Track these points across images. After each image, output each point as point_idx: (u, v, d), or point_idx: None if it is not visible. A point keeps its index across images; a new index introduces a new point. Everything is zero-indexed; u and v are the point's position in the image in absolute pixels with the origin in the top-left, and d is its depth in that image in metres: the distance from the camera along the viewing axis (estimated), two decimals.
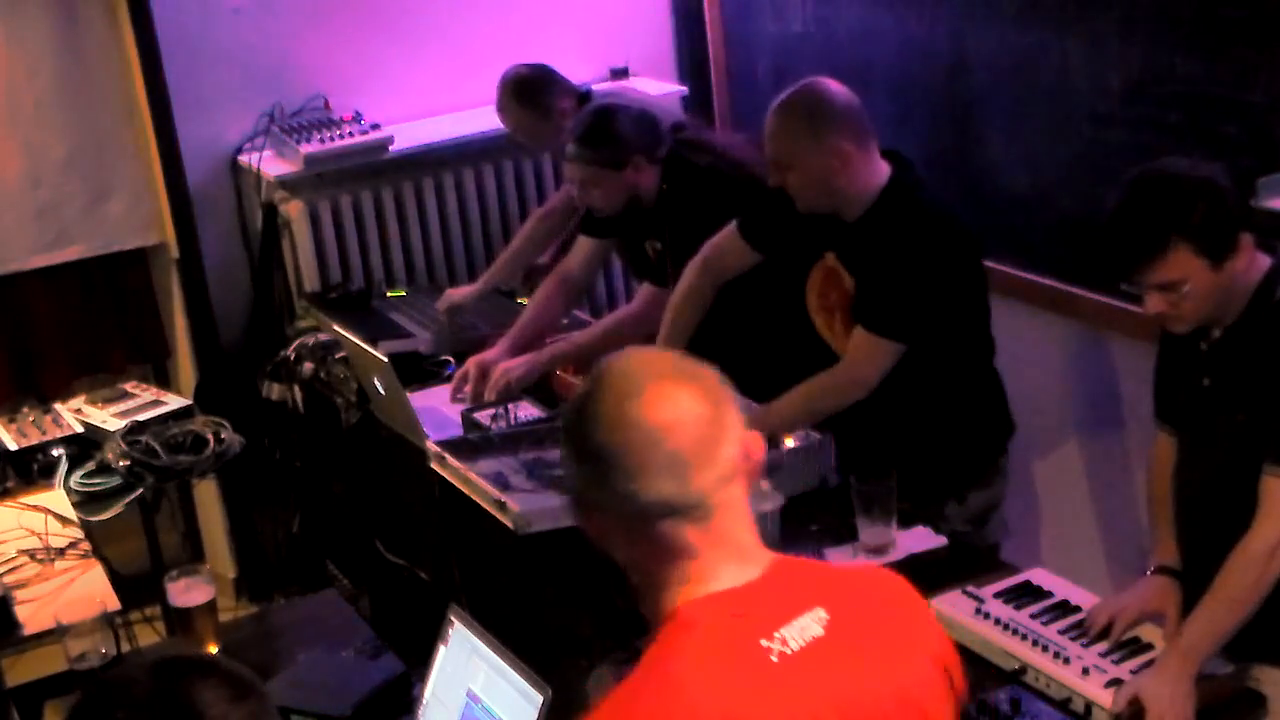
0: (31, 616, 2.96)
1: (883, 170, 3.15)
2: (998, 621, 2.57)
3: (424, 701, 2.47)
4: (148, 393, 3.94)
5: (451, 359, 3.97)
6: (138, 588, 3.38)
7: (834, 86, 3.15)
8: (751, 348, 3.43)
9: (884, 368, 3.12)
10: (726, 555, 1.64)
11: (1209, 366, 2.55)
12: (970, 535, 3.21)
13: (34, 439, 3.67)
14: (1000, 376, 3.34)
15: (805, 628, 1.61)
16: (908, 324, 3.10)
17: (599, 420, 1.62)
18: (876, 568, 1.78)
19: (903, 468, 2.91)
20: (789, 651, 1.59)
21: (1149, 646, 2.46)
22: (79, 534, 3.29)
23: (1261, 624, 2.45)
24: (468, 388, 3.69)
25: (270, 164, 4.58)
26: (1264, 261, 2.50)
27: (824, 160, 3.08)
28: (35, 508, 3.39)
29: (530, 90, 4.23)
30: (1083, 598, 2.64)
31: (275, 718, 1.51)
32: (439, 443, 3.29)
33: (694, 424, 1.60)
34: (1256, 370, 2.46)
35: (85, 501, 3.48)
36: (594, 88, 4.54)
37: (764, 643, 1.59)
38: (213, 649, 2.80)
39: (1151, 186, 2.49)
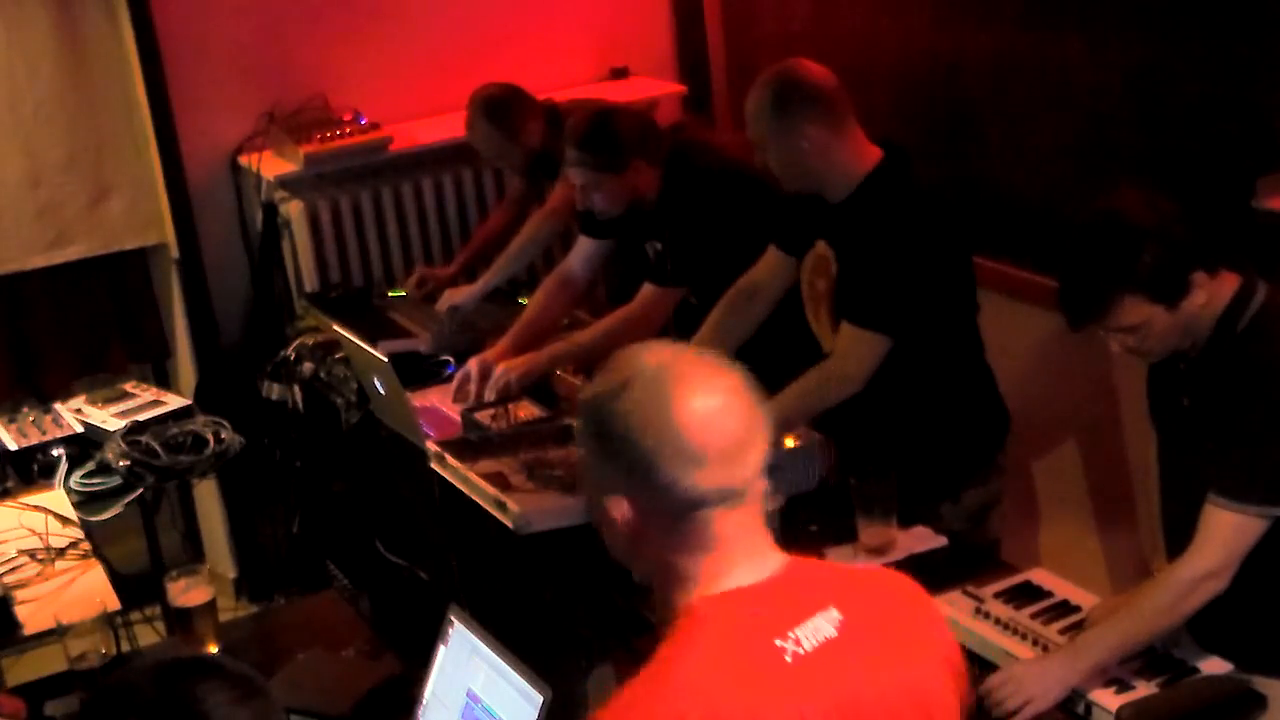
0: (31, 616, 2.96)
1: (871, 154, 3.12)
2: (998, 621, 2.57)
3: (424, 701, 2.46)
4: (148, 393, 3.94)
5: (451, 359, 3.97)
6: (138, 588, 3.38)
7: (809, 68, 3.13)
8: (754, 343, 3.41)
9: (870, 363, 3.07)
10: (747, 550, 1.65)
11: (1187, 387, 2.54)
12: (969, 533, 3.17)
13: (34, 439, 3.66)
14: (992, 372, 3.31)
15: (819, 628, 1.62)
16: (891, 316, 3.06)
17: (645, 410, 1.60)
18: (887, 570, 1.79)
19: (899, 467, 2.89)
20: (802, 652, 1.59)
21: (1150, 649, 2.46)
22: (79, 534, 3.28)
23: (1265, 635, 2.46)
24: (468, 387, 3.69)
25: (270, 164, 4.58)
26: (1229, 286, 2.45)
27: (792, 142, 3.08)
28: (35, 508, 3.39)
29: (500, 110, 4.23)
30: (1083, 598, 2.64)
31: (281, 717, 1.51)
32: (439, 443, 3.29)
33: (742, 413, 1.62)
34: (1219, 402, 2.45)
35: (85, 501, 3.48)
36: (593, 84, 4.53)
37: (778, 642, 1.59)
38: (213, 649, 2.80)
39: (1097, 235, 2.46)
